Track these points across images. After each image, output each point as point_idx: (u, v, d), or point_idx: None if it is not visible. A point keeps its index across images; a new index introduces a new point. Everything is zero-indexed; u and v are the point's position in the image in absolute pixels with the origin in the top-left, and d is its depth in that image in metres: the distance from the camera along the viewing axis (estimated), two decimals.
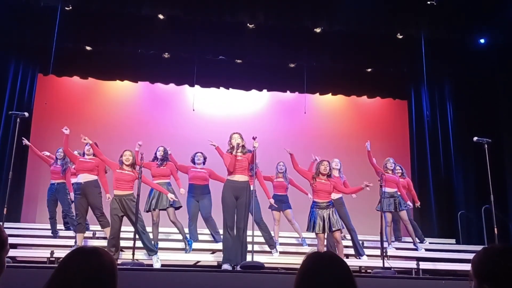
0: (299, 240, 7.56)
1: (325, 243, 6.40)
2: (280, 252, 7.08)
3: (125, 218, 6.04)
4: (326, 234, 6.18)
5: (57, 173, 7.33)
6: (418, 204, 7.82)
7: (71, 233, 7.21)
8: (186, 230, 7.00)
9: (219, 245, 6.21)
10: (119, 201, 5.96)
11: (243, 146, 5.88)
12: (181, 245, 7.00)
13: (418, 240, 7.41)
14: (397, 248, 7.42)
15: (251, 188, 5.83)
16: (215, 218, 6.95)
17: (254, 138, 5.76)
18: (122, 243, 6.21)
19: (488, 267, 1.63)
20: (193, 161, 7.31)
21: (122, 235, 6.14)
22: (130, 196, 6.04)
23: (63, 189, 7.26)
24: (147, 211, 6.75)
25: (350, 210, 7.13)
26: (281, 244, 7.45)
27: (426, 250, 7.42)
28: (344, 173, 7.39)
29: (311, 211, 6.14)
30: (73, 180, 7.18)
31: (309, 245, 7.37)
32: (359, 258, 6.74)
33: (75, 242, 6.49)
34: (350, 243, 6.92)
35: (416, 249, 7.26)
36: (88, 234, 7.05)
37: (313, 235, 6.44)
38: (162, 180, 6.79)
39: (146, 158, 6.54)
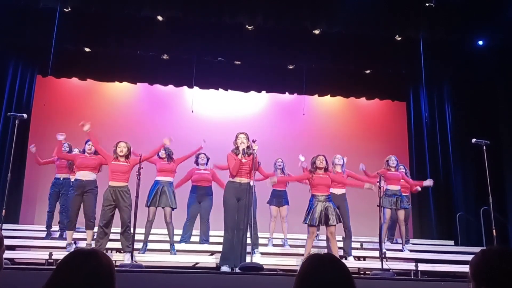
0: (282, 241, 7.52)
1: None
2: (280, 254, 7.07)
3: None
4: (319, 227, 6.19)
5: (63, 167, 7.34)
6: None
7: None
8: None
9: (218, 247, 6.20)
10: (113, 192, 5.97)
11: (247, 147, 5.88)
12: (181, 246, 7.01)
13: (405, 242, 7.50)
14: (395, 250, 7.43)
15: (251, 184, 5.80)
16: (215, 219, 6.94)
17: (254, 141, 5.79)
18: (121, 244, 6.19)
19: (486, 269, 1.64)
20: (196, 162, 7.32)
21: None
22: (125, 188, 6.04)
23: (68, 185, 7.26)
24: (146, 206, 6.73)
25: (350, 209, 7.13)
26: (276, 245, 7.45)
27: (425, 251, 7.45)
28: None
29: (310, 204, 6.16)
30: (72, 177, 7.16)
31: (291, 245, 7.38)
32: (345, 259, 6.68)
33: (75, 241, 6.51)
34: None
35: (401, 250, 7.35)
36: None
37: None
38: (166, 178, 6.80)
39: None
